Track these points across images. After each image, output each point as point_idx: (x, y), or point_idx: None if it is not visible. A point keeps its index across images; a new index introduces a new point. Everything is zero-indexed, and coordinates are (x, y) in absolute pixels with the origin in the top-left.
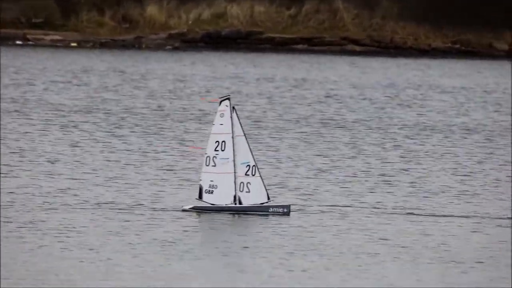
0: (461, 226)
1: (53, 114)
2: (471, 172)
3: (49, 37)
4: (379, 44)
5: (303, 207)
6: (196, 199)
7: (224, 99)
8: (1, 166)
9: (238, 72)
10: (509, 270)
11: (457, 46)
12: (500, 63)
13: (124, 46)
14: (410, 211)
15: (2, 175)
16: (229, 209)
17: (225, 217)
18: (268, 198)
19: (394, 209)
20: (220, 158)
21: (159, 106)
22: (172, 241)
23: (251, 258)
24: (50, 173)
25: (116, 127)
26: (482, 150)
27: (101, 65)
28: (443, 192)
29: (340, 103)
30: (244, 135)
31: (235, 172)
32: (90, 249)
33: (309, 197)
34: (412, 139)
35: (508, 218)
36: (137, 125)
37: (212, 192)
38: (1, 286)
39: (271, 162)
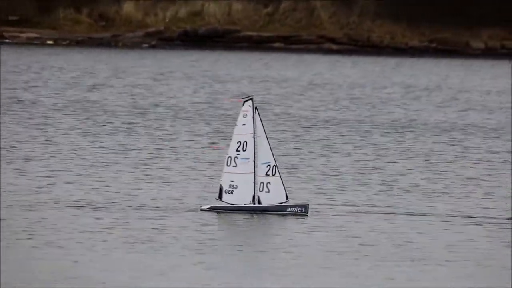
0: (431, 224)
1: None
2: (442, 171)
3: (25, 34)
4: (356, 43)
5: (321, 206)
6: (216, 199)
7: (247, 100)
8: None
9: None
10: (476, 269)
11: (434, 44)
12: (476, 61)
13: (101, 44)
14: (381, 209)
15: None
16: (247, 209)
17: (241, 217)
18: (287, 198)
19: (367, 206)
20: (241, 158)
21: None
22: (190, 240)
23: (267, 257)
24: (66, 172)
25: (127, 127)
26: (454, 148)
27: (79, 63)
28: (412, 190)
29: (316, 100)
30: (265, 135)
31: (255, 172)
32: (106, 248)
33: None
34: (386, 137)
35: (478, 216)
36: (147, 126)
37: (232, 192)
38: (1, 286)
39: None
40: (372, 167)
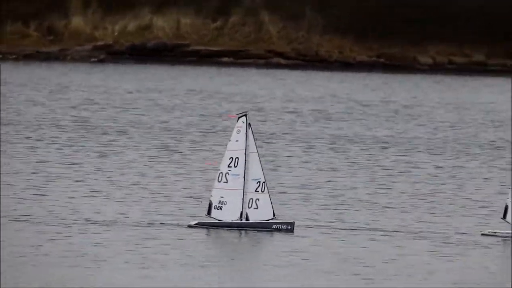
0: (373, 239)
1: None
2: (387, 185)
3: None
4: (305, 58)
5: (307, 223)
6: (205, 215)
7: (242, 116)
8: None
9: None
10: (422, 282)
11: (382, 59)
12: (423, 77)
13: (48, 58)
14: (324, 224)
15: None
16: (234, 225)
17: (228, 233)
18: (274, 215)
19: (310, 221)
20: (232, 174)
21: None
22: (178, 256)
23: (255, 273)
24: (59, 189)
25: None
26: (400, 163)
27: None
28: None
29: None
30: (257, 151)
31: (244, 189)
32: (95, 262)
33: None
34: (335, 151)
35: (420, 231)
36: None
37: (221, 208)
38: (1, 286)
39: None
40: (315, 182)
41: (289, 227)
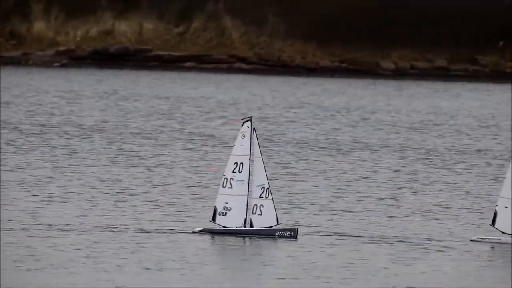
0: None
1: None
2: (348, 189)
3: None
4: (267, 62)
5: (310, 230)
6: (210, 221)
7: (246, 120)
8: None
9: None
10: (373, 284)
11: (345, 65)
12: (386, 82)
13: (11, 62)
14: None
15: None
16: (238, 232)
17: (231, 240)
18: (277, 221)
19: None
20: (237, 180)
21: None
22: (182, 263)
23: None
24: (58, 195)
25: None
26: (364, 167)
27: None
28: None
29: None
30: (262, 157)
31: (248, 195)
32: (98, 270)
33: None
34: (295, 156)
35: (376, 237)
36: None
37: (225, 214)
38: (1, 286)
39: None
40: (275, 186)
41: (292, 233)
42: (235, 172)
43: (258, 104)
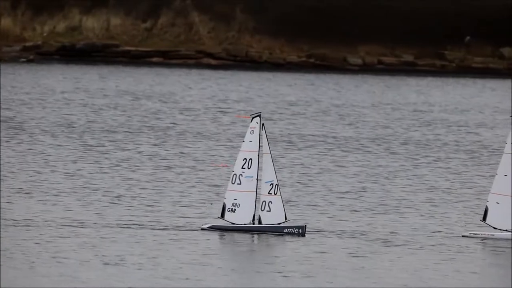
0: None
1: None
2: (309, 183)
3: None
4: (235, 58)
5: (318, 227)
6: (218, 217)
7: (255, 116)
8: None
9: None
10: (340, 279)
11: (312, 60)
12: (353, 77)
13: None
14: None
15: None
16: (246, 229)
17: (240, 237)
18: (286, 218)
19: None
20: (246, 176)
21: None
22: (190, 260)
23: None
24: (62, 191)
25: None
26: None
27: None
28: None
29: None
30: (270, 153)
31: (257, 191)
32: (108, 264)
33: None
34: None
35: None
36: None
37: (234, 211)
38: (1, 286)
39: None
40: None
41: (300, 230)
42: (244, 169)
43: (225, 99)
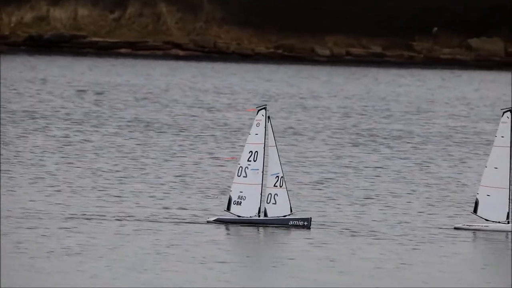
0: (275, 233)
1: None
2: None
3: None
4: (203, 49)
5: (324, 220)
6: (224, 210)
7: (261, 108)
8: None
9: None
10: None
11: (280, 51)
12: (321, 68)
13: None
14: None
15: None
16: (251, 222)
17: (246, 230)
18: (291, 211)
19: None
20: (251, 169)
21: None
22: (196, 253)
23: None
24: (70, 182)
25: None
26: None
27: None
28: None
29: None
30: (276, 145)
31: (262, 184)
32: (111, 259)
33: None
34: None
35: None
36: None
37: (240, 204)
38: (1, 286)
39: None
40: (194, 171)
41: (305, 223)
42: (250, 161)
43: (194, 90)
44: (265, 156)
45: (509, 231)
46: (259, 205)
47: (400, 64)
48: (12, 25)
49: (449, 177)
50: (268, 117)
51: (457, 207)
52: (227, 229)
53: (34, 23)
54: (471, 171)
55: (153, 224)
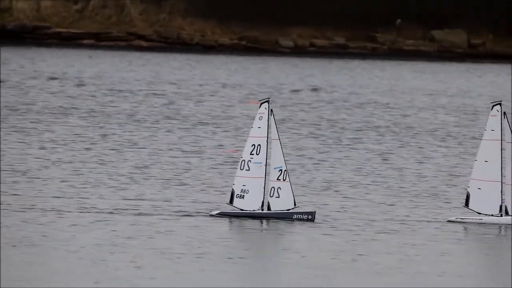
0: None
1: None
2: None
3: None
4: (166, 40)
5: (328, 213)
6: (227, 203)
7: (264, 102)
8: None
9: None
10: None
11: (244, 42)
12: (285, 59)
13: None
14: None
15: None
16: (255, 215)
17: (249, 223)
18: (295, 204)
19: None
20: (254, 162)
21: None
22: (199, 246)
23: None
24: (70, 174)
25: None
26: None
27: None
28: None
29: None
30: (279, 139)
31: (265, 177)
32: (114, 252)
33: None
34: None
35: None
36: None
37: (243, 197)
38: (1, 286)
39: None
40: (166, 162)
41: (309, 216)
42: (253, 154)
43: (159, 81)
44: (268, 149)
45: (503, 224)
46: (262, 199)
47: (363, 56)
48: None
49: (407, 168)
50: (271, 110)
51: (445, 202)
52: (230, 222)
53: None
54: (432, 162)
55: (155, 217)
